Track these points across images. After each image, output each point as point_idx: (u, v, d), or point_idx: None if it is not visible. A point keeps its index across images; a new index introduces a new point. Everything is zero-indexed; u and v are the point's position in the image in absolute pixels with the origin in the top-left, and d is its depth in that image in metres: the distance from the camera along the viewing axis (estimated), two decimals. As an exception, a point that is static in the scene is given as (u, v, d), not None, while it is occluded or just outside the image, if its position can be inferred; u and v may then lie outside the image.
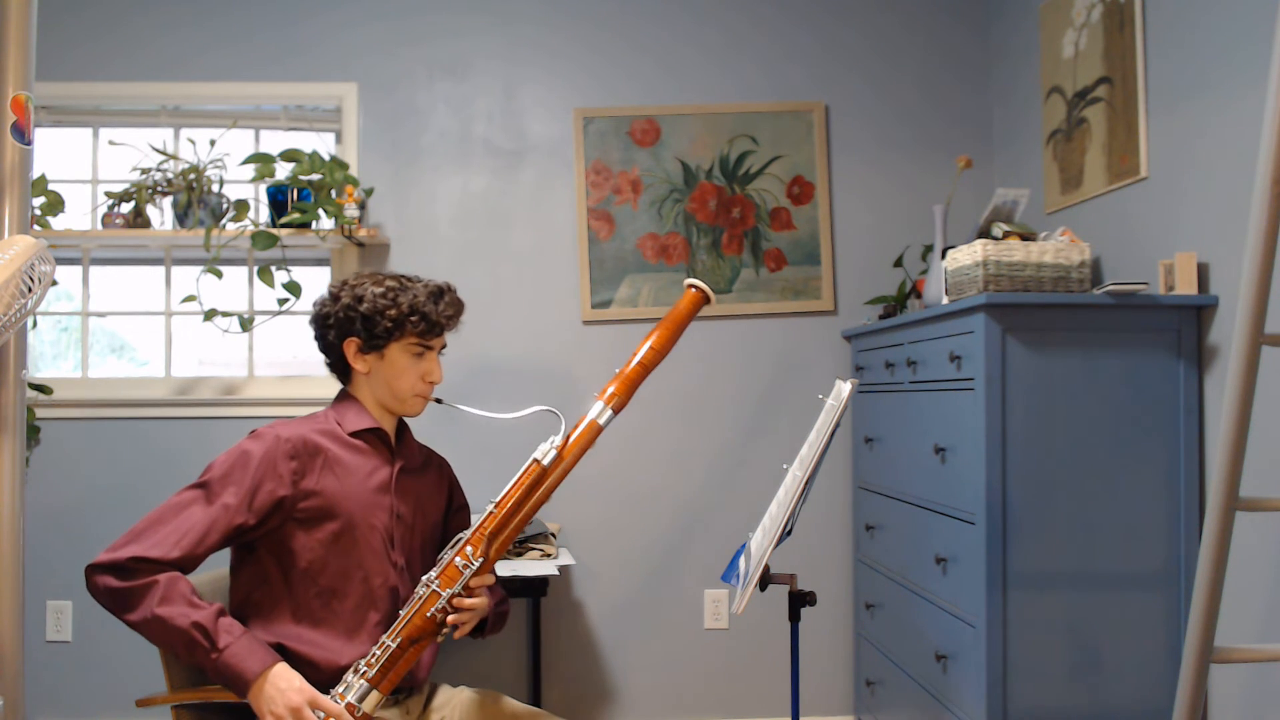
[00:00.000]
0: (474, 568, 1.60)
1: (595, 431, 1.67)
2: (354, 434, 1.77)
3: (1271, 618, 1.91)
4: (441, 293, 1.80)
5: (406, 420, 1.89)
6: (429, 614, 1.58)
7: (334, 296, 1.80)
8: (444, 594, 1.58)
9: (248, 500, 1.63)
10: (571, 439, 1.67)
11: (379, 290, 1.75)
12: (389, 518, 1.75)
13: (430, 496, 1.88)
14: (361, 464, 1.75)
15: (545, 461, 1.64)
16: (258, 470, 1.65)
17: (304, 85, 3.08)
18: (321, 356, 1.85)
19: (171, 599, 1.53)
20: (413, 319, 1.74)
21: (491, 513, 1.63)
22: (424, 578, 1.61)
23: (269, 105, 3.13)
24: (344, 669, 1.64)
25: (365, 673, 1.55)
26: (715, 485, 3.09)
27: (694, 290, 1.75)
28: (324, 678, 1.63)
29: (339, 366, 1.83)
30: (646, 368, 1.71)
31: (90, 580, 1.57)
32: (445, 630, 1.60)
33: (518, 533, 1.65)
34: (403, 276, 1.80)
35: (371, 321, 1.74)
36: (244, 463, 1.65)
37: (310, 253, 3.08)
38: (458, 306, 1.82)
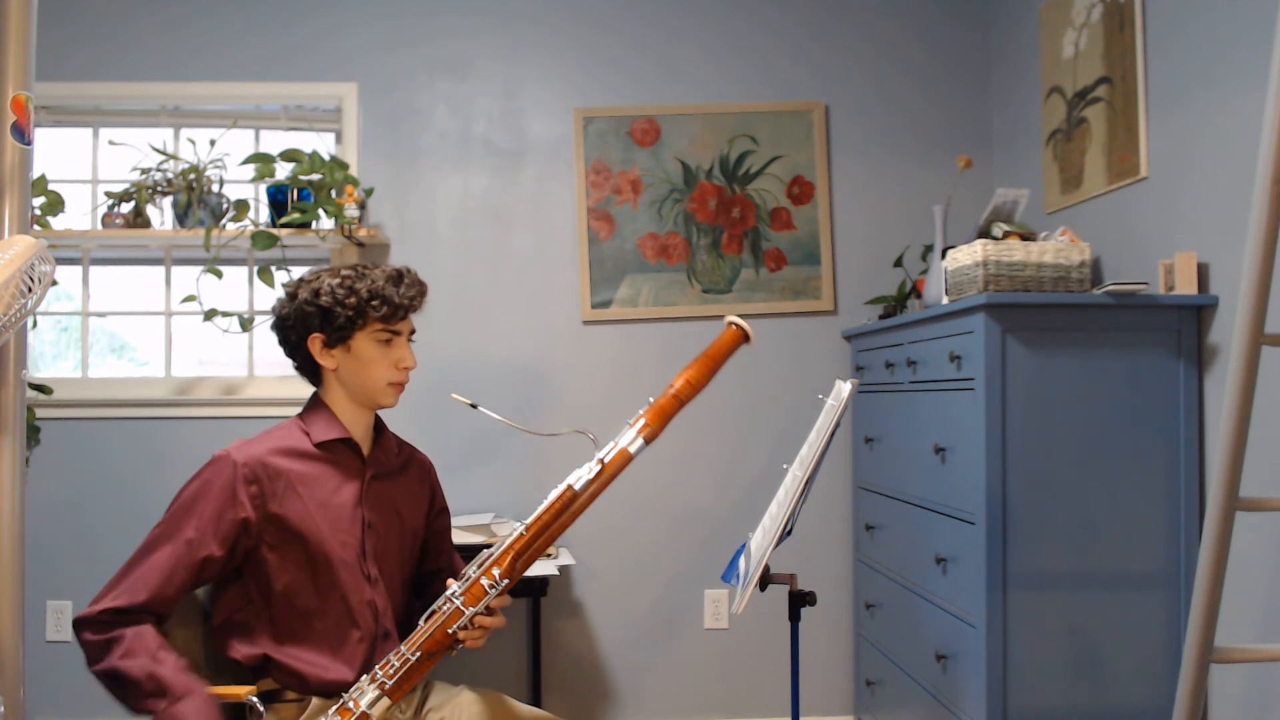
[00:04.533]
0: (499, 589, 1.57)
1: (625, 459, 1.61)
2: (321, 444, 1.73)
3: (1271, 618, 1.91)
4: (401, 276, 1.74)
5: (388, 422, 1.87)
6: (450, 630, 1.55)
7: (290, 295, 1.75)
8: (467, 612, 1.55)
9: (210, 531, 1.62)
10: (605, 463, 1.61)
11: (335, 281, 1.71)
12: (360, 530, 1.72)
13: (408, 500, 1.84)
14: (328, 479, 1.72)
15: (578, 487, 1.60)
16: (217, 500, 1.63)
17: (304, 85, 3.08)
18: (289, 361, 1.81)
19: (134, 653, 1.55)
20: (373, 304, 1.69)
21: (521, 534, 1.59)
22: (448, 592, 1.58)
23: (269, 105, 3.13)
24: (330, 683, 1.65)
25: (384, 683, 1.53)
26: (715, 485, 3.08)
27: (734, 328, 1.70)
28: (311, 690, 1.65)
29: (307, 367, 1.78)
30: (681, 400, 1.65)
31: (77, 636, 1.61)
32: (459, 645, 1.59)
33: (539, 553, 1.62)
34: (359, 265, 1.75)
35: (331, 314, 1.69)
36: (203, 494, 1.64)
37: (310, 253, 3.08)
38: (420, 287, 1.76)
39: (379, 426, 1.85)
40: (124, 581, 1.61)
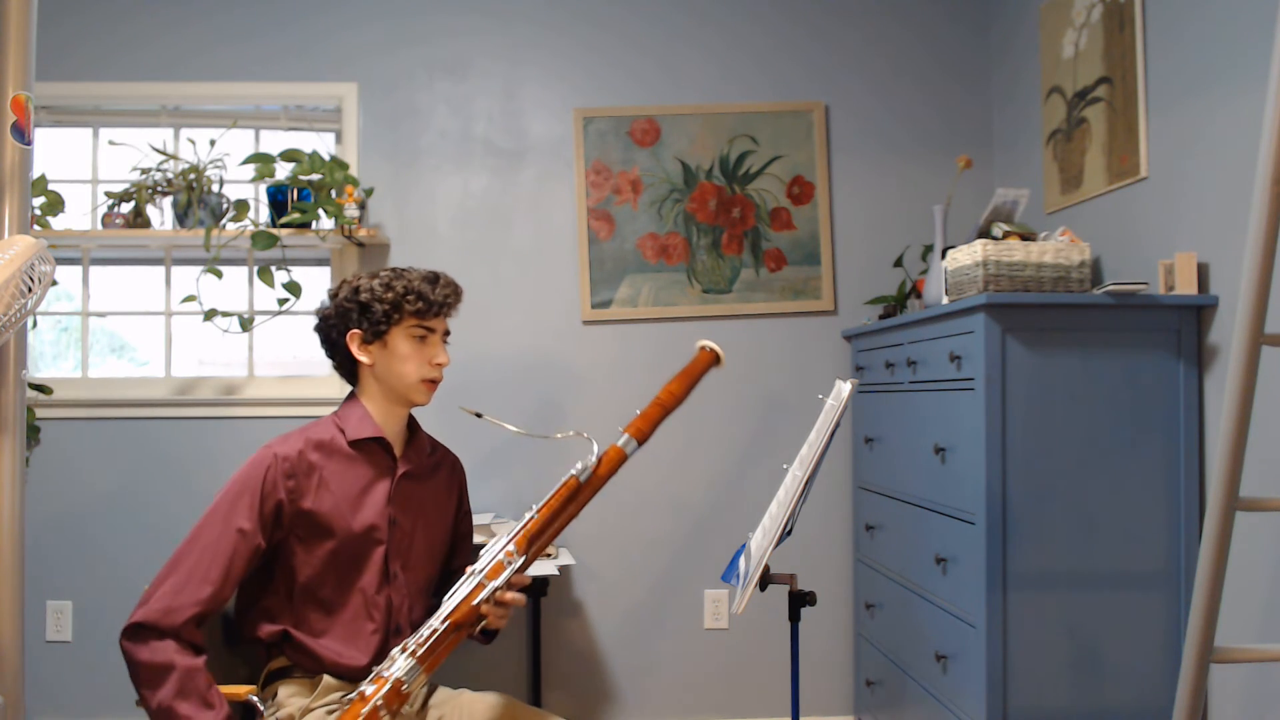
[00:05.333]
0: (517, 565, 1.63)
1: (619, 456, 1.73)
2: (354, 442, 1.78)
3: (1271, 618, 1.91)
4: (437, 276, 1.82)
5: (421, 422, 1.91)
6: (474, 603, 1.60)
7: (332, 295, 1.84)
8: (489, 585, 1.61)
9: (258, 522, 1.67)
10: (600, 461, 1.72)
11: (375, 281, 1.79)
12: (386, 528, 1.77)
13: (437, 500, 1.89)
14: (359, 476, 1.77)
15: (582, 478, 1.69)
16: (262, 491, 1.68)
17: (304, 85, 3.08)
18: (329, 361, 1.87)
19: (187, 693, 1.55)
20: (409, 298, 1.76)
21: (534, 517, 1.67)
22: (471, 569, 1.64)
23: (269, 105, 3.13)
24: (344, 667, 1.70)
25: (415, 651, 1.56)
26: (715, 485, 3.08)
27: (705, 350, 1.87)
28: (325, 669, 1.70)
29: (346, 366, 1.84)
30: (664, 408, 1.79)
31: (121, 643, 1.58)
32: (482, 623, 1.63)
33: (553, 539, 1.70)
34: (397, 267, 1.83)
35: (369, 309, 1.77)
36: (250, 485, 1.69)
37: (310, 253, 3.08)
38: (455, 288, 1.84)
39: (412, 427, 1.89)
40: (177, 575, 1.61)
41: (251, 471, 1.70)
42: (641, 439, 1.75)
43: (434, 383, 1.81)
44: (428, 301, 1.77)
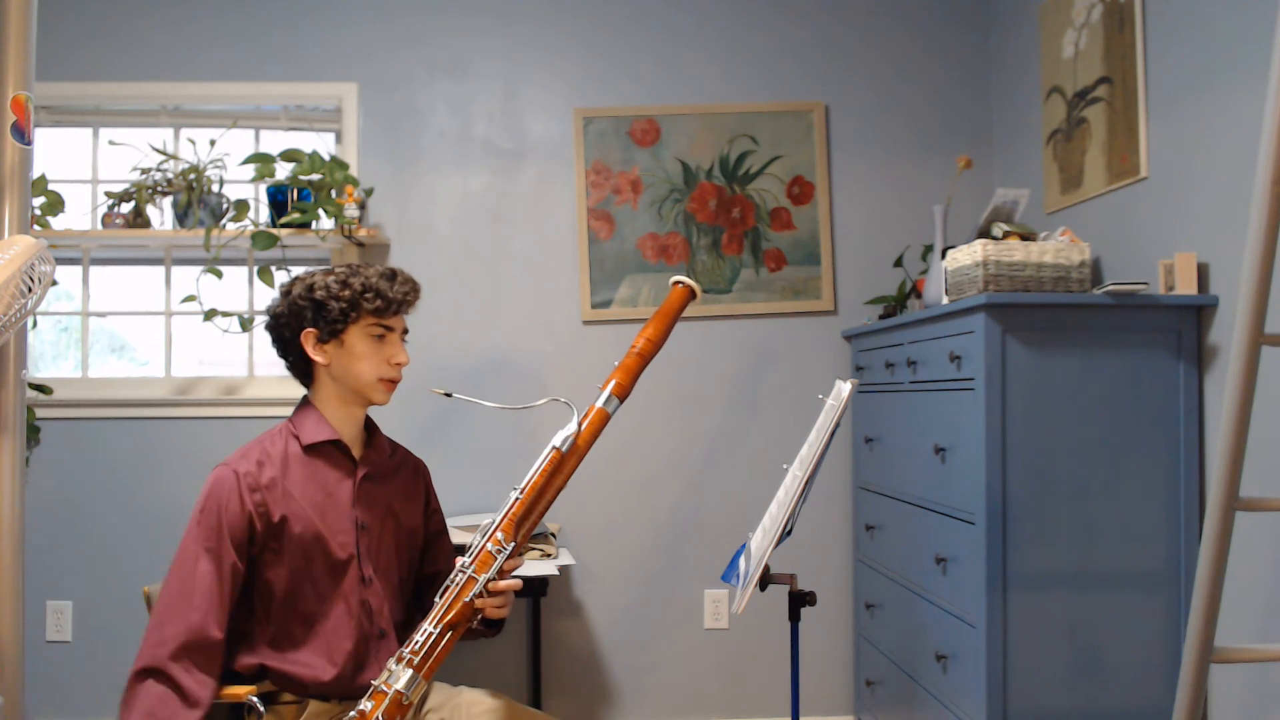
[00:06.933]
0: (506, 551, 1.60)
1: (603, 418, 1.69)
2: (311, 447, 1.75)
3: (1271, 618, 1.91)
4: (394, 273, 1.78)
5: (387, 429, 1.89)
6: (467, 599, 1.57)
7: (285, 292, 1.78)
8: (480, 579, 1.57)
9: (230, 543, 1.65)
10: (583, 426, 1.68)
11: (330, 278, 1.74)
12: (354, 531, 1.74)
13: (403, 500, 1.85)
14: (321, 481, 1.74)
15: (564, 449, 1.65)
16: (229, 513, 1.66)
17: (304, 85, 3.08)
18: (282, 361, 1.83)
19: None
20: (367, 296, 1.72)
21: (518, 499, 1.63)
22: (459, 563, 1.60)
23: (269, 105, 3.13)
24: (326, 684, 1.66)
25: (411, 660, 1.53)
26: (715, 485, 3.09)
27: (680, 286, 1.84)
28: (311, 694, 1.67)
29: (299, 365, 1.79)
30: (644, 357, 1.75)
31: (128, 689, 1.57)
32: (479, 616, 1.60)
33: (541, 517, 1.66)
34: (352, 264, 1.79)
35: (326, 307, 1.72)
36: (214, 510, 1.66)
37: (310, 253, 3.08)
38: (412, 285, 1.79)
39: (371, 428, 1.86)
40: (157, 614, 1.60)
41: (214, 495, 1.67)
42: (623, 395, 1.70)
43: (393, 382, 1.78)
44: (386, 299, 1.73)
